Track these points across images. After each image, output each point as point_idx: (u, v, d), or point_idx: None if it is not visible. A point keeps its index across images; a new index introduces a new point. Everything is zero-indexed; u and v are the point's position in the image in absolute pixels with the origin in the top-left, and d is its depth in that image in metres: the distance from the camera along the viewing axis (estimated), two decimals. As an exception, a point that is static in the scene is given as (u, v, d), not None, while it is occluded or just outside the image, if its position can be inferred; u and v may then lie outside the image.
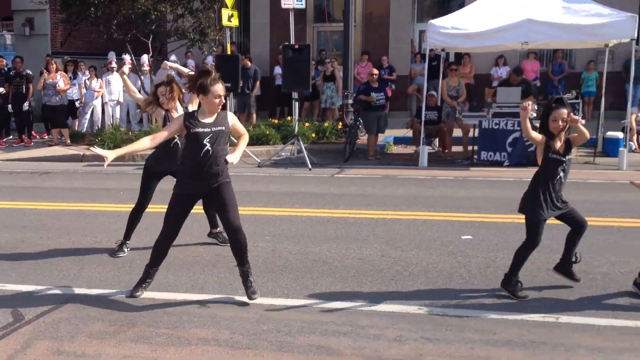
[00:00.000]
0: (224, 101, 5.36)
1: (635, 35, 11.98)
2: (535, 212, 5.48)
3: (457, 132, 13.93)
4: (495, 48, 14.67)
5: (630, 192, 9.73)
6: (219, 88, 5.24)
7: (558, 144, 5.45)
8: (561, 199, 5.53)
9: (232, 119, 5.48)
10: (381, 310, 5.26)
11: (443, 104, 14.09)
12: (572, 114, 5.42)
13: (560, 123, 5.41)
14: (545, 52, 18.34)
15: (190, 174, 5.36)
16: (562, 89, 16.78)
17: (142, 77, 16.72)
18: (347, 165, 12.92)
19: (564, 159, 5.45)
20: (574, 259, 5.79)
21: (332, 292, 5.70)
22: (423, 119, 13.19)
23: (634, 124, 13.58)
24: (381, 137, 14.60)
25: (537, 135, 5.57)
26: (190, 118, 5.32)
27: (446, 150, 13.91)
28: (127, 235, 6.90)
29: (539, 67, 17.49)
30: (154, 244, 5.63)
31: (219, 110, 5.35)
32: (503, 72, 17.26)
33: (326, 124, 15.75)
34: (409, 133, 14.73)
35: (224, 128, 5.31)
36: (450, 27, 12.74)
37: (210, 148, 5.23)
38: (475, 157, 12.96)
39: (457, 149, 13.87)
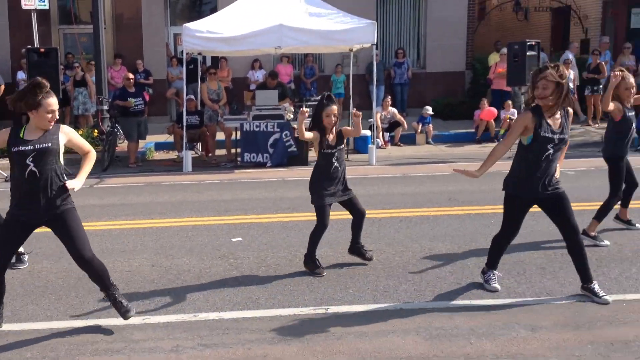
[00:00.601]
0: (57, 117, 4.78)
1: (375, 40, 13.00)
2: (319, 198, 6.11)
3: (220, 136, 14.02)
4: (251, 52, 15.02)
5: (377, 185, 10.57)
6: (53, 102, 4.70)
7: (331, 137, 6.11)
8: (345, 186, 6.24)
9: (67, 134, 4.84)
10: (156, 322, 5.13)
11: (204, 107, 14.08)
12: (354, 110, 6.25)
13: (333, 118, 6.05)
14: (297, 56, 19.18)
15: (20, 200, 4.73)
16: (315, 91, 17.68)
17: None
18: (106, 175, 12.37)
19: (334, 150, 6.12)
20: (368, 257, 6.47)
21: (102, 308, 5.42)
22: (184, 123, 13.08)
23: (379, 122, 14.73)
24: (142, 144, 14.21)
25: (310, 134, 6.12)
26: (13, 134, 4.72)
27: (210, 154, 13.94)
28: None
29: (292, 70, 18.24)
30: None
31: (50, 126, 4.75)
32: (259, 75, 17.72)
33: (80, 132, 14.92)
34: (170, 138, 14.52)
35: (49, 145, 4.69)
36: (205, 30, 12.76)
37: (35, 169, 4.63)
38: (239, 159, 13.16)
39: (220, 152, 13.96)
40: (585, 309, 5.23)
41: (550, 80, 5.07)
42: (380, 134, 14.88)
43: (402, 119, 15.35)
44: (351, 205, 6.36)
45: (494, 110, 15.40)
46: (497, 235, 5.67)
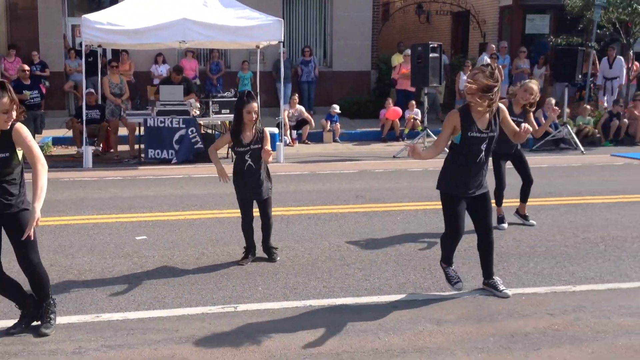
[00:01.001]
0: (13, 117, 4.38)
1: (282, 37, 12.98)
2: (239, 194, 6.39)
3: (123, 131, 13.60)
4: (154, 46, 14.65)
5: (285, 183, 10.56)
6: (5, 102, 4.30)
7: (247, 135, 6.17)
8: (261, 184, 6.31)
9: (21, 135, 4.44)
10: (57, 324, 4.89)
11: (106, 101, 13.62)
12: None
13: (253, 115, 6.14)
14: (203, 51, 18.90)
15: None
16: (221, 87, 17.46)
17: None
18: (0, 171, 11.72)
19: (247, 148, 6.17)
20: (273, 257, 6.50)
21: (-3, 311, 5.13)
22: (84, 117, 12.61)
23: (286, 120, 14.73)
24: (38, 138, 13.58)
25: (225, 138, 6.37)
26: None
27: (111, 150, 13.50)
28: None
29: (197, 65, 17.96)
30: None
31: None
32: (163, 70, 17.34)
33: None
34: (69, 133, 13.95)
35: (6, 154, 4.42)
36: (106, 22, 12.32)
37: None
38: (143, 155, 12.81)
39: (123, 148, 13.55)
40: (486, 302, 5.40)
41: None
42: (288, 132, 14.89)
43: (309, 117, 15.41)
44: (261, 209, 6.42)
45: (398, 109, 15.72)
46: (443, 235, 5.59)
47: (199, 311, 5.19)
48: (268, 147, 6.16)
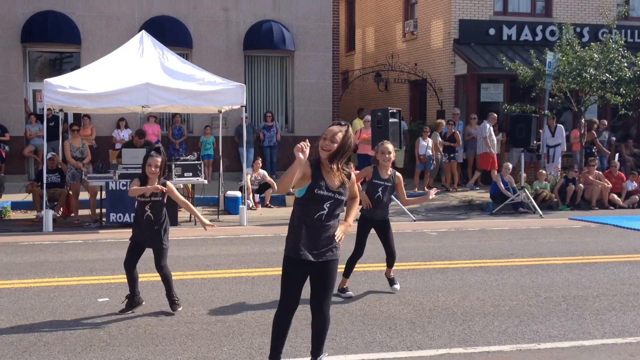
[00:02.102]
0: None
1: (245, 102, 13.16)
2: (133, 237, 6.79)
3: (84, 195, 13.45)
4: (116, 110, 14.68)
5: (249, 245, 10.53)
6: None
7: (149, 188, 6.48)
8: (159, 238, 6.62)
9: None
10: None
11: (67, 165, 13.48)
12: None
13: (154, 169, 6.49)
14: (165, 116, 19.00)
15: None
16: (184, 151, 17.50)
17: None
18: (-45, 235, 11.45)
19: (148, 200, 6.53)
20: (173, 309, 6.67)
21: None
22: (45, 181, 12.46)
23: (249, 183, 14.78)
24: (-4, 202, 13.33)
25: (137, 187, 6.56)
26: None
27: (72, 214, 13.30)
28: None
29: (160, 130, 18.01)
30: None
31: None
32: (125, 134, 17.32)
33: None
34: (29, 197, 13.73)
35: None
36: (68, 86, 12.31)
37: None
38: (104, 219, 12.65)
39: (84, 212, 13.36)
40: (454, 360, 5.42)
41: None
42: (251, 195, 14.92)
43: (272, 180, 15.50)
44: (156, 260, 6.70)
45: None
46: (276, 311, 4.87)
47: (165, 373, 5.09)
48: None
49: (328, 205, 4.66)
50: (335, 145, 4.70)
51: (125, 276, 6.76)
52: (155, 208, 6.59)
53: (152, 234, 6.63)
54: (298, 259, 4.66)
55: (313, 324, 4.88)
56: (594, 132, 18.01)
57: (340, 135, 4.72)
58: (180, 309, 6.70)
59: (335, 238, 4.73)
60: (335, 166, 4.72)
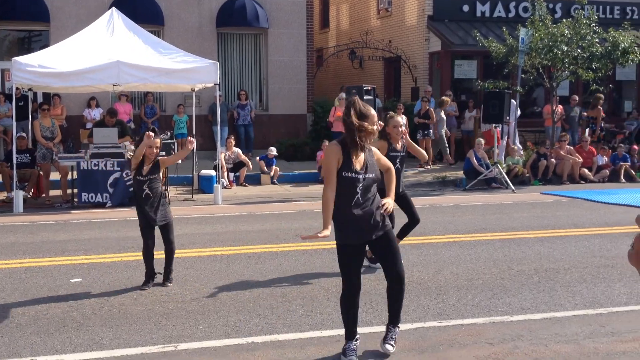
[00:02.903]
0: None
1: (218, 80, 13.03)
2: (141, 219, 6.84)
3: (55, 175, 13.27)
4: (87, 89, 14.45)
5: (224, 224, 10.50)
6: None
7: (145, 168, 6.65)
8: (164, 214, 6.83)
9: None
10: (-13, 369, 4.69)
11: (37, 145, 13.29)
12: (190, 137, 7.01)
13: (154, 150, 6.67)
14: (137, 94, 18.76)
15: None
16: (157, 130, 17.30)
17: None
18: None
19: (145, 179, 6.65)
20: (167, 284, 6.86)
21: None
22: (15, 162, 12.26)
23: (223, 162, 14.69)
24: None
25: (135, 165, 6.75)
26: None
27: (43, 195, 13.13)
28: None
29: (132, 109, 17.78)
30: None
31: None
32: (96, 113, 17.07)
33: None
34: (-2, 178, 13.52)
35: None
36: (37, 65, 12.08)
37: None
38: (76, 199, 12.50)
39: (55, 192, 13.19)
40: (428, 334, 5.47)
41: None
42: (225, 174, 14.84)
43: (246, 159, 15.42)
44: (164, 235, 6.89)
45: (334, 151, 15.89)
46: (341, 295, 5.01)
47: (138, 351, 5.07)
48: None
49: (360, 187, 4.72)
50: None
51: (96, 257, 6.72)
52: (153, 185, 6.74)
53: (162, 210, 6.80)
54: (351, 244, 4.80)
55: (388, 292, 5.03)
56: (600, 108, 18.35)
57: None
58: (171, 285, 6.82)
59: (382, 210, 4.78)
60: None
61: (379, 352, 5.04)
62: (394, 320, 5.10)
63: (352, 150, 4.70)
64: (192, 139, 7.15)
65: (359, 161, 4.74)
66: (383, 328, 5.22)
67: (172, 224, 6.94)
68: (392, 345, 5.02)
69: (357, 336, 4.99)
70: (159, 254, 6.92)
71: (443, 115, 17.64)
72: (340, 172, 4.69)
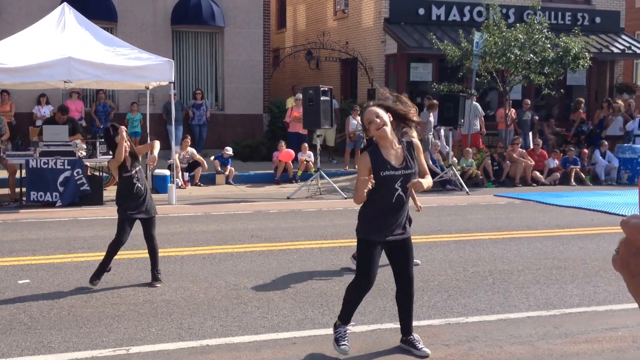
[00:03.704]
0: None
1: (172, 78, 12.84)
2: (122, 212, 6.68)
3: (2, 174, 12.87)
4: (37, 85, 14.09)
5: (178, 224, 10.33)
6: None
7: (128, 162, 6.59)
8: (151, 206, 6.84)
9: None
10: None
11: (-17, 142, 12.91)
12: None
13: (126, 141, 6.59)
14: (89, 92, 18.37)
15: None
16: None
17: None
18: None
19: (132, 172, 6.67)
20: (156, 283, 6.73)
21: None
22: (-41, 159, 11.86)
23: (177, 162, 14.48)
24: None
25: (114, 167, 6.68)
26: None
27: (-11, 193, 12.74)
28: None
29: (83, 107, 17.40)
30: None
31: None
32: (47, 111, 16.67)
33: None
34: (-58, 176, 13.05)
35: None
36: (-15, 60, 11.74)
37: None
38: (24, 198, 12.14)
39: (2, 191, 12.79)
40: (384, 336, 5.44)
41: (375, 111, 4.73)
42: (180, 174, 14.62)
43: (201, 159, 15.24)
44: (147, 230, 6.81)
45: (291, 152, 15.85)
46: (351, 284, 5.08)
47: (88, 355, 4.92)
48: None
49: (399, 183, 4.73)
50: (382, 118, 4.69)
51: (45, 257, 6.53)
52: (141, 176, 6.72)
53: (151, 202, 6.80)
54: (375, 241, 4.83)
55: (398, 298, 5.07)
56: (580, 111, 18.80)
57: (377, 110, 4.74)
58: (159, 284, 6.67)
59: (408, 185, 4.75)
60: (396, 139, 4.76)
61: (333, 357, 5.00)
62: (406, 330, 5.11)
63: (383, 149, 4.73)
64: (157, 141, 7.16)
65: (395, 157, 4.76)
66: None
67: (155, 218, 6.91)
68: (424, 348, 5.03)
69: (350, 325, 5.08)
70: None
71: (431, 118, 17.47)
72: (378, 173, 4.71)
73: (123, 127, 6.69)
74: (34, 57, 11.98)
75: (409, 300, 5.06)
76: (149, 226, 6.79)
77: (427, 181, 4.88)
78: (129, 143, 6.62)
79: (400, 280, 5.02)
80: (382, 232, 4.83)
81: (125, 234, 6.65)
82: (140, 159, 6.86)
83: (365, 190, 4.64)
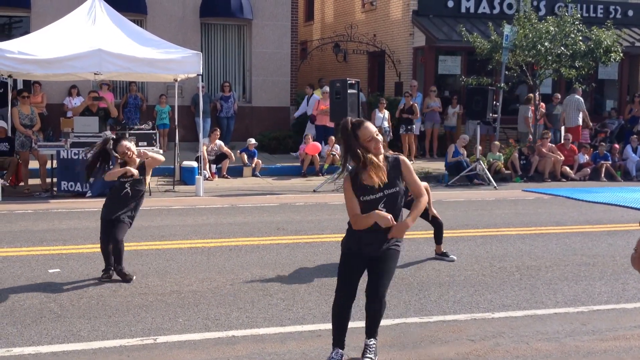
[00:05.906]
0: None
1: (201, 70, 12.91)
2: (105, 213, 6.76)
3: (34, 164, 13.08)
4: (68, 77, 14.27)
5: (205, 215, 10.42)
6: None
7: (133, 170, 6.64)
8: (133, 214, 6.81)
9: None
10: (-39, 361, 4.59)
11: (16, 133, 13.08)
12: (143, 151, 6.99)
13: (129, 153, 6.72)
14: (119, 84, 18.55)
15: None
16: (138, 120, 17.14)
17: None
18: None
19: (128, 180, 6.67)
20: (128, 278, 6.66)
21: None
22: (-8, 150, 12.08)
23: (205, 154, 14.58)
24: (-59, 171, 12.87)
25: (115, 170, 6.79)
26: None
27: (22, 183, 12.93)
28: None
29: (113, 98, 17.57)
30: None
31: None
32: (77, 102, 16.85)
33: None
34: (-25, 166, 13.28)
35: None
36: (17, 51, 11.88)
37: None
38: (55, 189, 12.33)
39: (34, 181, 13.00)
40: (409, 330, 5.45)
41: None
42: (207, 166, 14.73)
43: (229, 151, 15.31)
44: (112, 231, 6.68)
45: (318, 145, 15.85)
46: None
47: (117, 344, 4.99)
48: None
49: (383, 205, 4.49)
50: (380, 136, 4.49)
51: (75, 247, 6.64)
52: (135, 186, 6.71)
53: (131, 213, 6.75)
54: (352, 254, 4.68)
55: (367, 310, 4.79)
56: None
57: (374, 128, 4.50)
58: (134, 277, 6.68)
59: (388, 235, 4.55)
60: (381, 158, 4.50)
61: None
62: (370, 332, 4.82)
63: (360, 170, 4.48)
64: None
65: (378, 177, 4.45)
66: (364, 323, 5.17)
67: (127, 227, 6.71)
68: (371, 358, 4.75)
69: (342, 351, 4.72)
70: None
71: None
72: (358, 198, 4.51)
73: (127, 144, 6.80)
74: (65, 49, 12.13)
75: (373, 314, 4.76)
76: (117, 228, 6.60)
77: (418, 208, 4.61)
78: (130, 153, 6.72)
79: (368, 296, 4.73)
80: (361, 246, 4.61)
81: (104, 234, 6.67)
82: (147, 172, 6.87)
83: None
